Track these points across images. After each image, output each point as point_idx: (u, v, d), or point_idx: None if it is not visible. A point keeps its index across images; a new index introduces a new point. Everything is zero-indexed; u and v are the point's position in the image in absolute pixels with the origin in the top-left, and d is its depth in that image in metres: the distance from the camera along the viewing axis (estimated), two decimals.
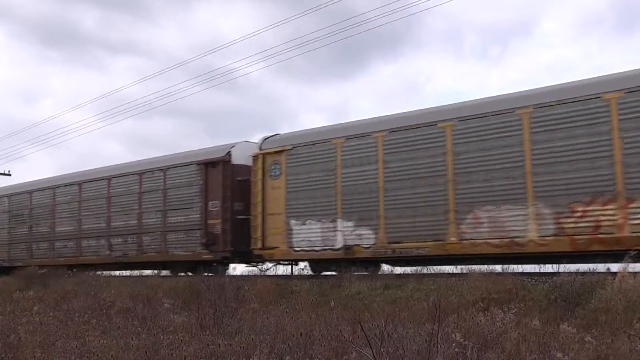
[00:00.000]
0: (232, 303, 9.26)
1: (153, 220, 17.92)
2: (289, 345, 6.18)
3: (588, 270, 10.01)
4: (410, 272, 13.14)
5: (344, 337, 6.24)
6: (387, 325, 5.55)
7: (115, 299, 12.22)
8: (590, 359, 5.52)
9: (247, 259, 16.25)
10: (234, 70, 43.39)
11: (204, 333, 7.56)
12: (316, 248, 14.23)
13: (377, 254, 13.31)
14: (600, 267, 10.60)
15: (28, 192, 22.67)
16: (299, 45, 39.23)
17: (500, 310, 7.81)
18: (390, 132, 13.31)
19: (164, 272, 18.10)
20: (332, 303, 10.09)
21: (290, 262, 15.77)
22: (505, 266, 11.59)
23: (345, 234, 13.72)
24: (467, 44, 68.92)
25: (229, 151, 16.51)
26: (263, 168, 15.36)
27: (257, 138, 16.69)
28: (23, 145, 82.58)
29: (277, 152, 15.18)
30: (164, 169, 17.80)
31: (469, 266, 12.35)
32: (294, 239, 14.60)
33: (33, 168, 71.35)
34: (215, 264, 16.66)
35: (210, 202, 16.39)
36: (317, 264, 14.90)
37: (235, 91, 79.49)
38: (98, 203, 19.74)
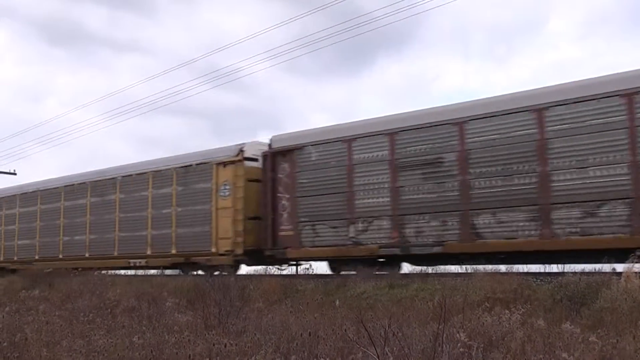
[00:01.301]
0: (237, 302, 9.26)
1: None
2: (294, 344, 6.19)
3: (593, 270, 10.00)
4: (415, 272, 13.13)
5: (349, 336, 6.24)
6: (392, 325, 5.55)
7: (120, 298, 12.26)
8: (596, 359, 5.51)
9: None
10: (239, 69, 43.46)
11: (209, 332, 7.57)
12: None
13: None
14: (606, 267, 10.52)
15: (387, 134, 13.47)
16: (305, 44, 39.13)
17: (507, 310, 7.80)
18: None
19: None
20: (337, 302, 10.09)
21: None
22: (510, 266, 11.56)
23: None
24: (474, 43, 68.81)
25: None
26: None
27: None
28: (28, 145, 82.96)
29: None
30: None
31: (474, 266, 12.28)
32: None
33: (38, 167, 71.60)
34: None
35: None
36: None
37: (241, 90, 79.53)
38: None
